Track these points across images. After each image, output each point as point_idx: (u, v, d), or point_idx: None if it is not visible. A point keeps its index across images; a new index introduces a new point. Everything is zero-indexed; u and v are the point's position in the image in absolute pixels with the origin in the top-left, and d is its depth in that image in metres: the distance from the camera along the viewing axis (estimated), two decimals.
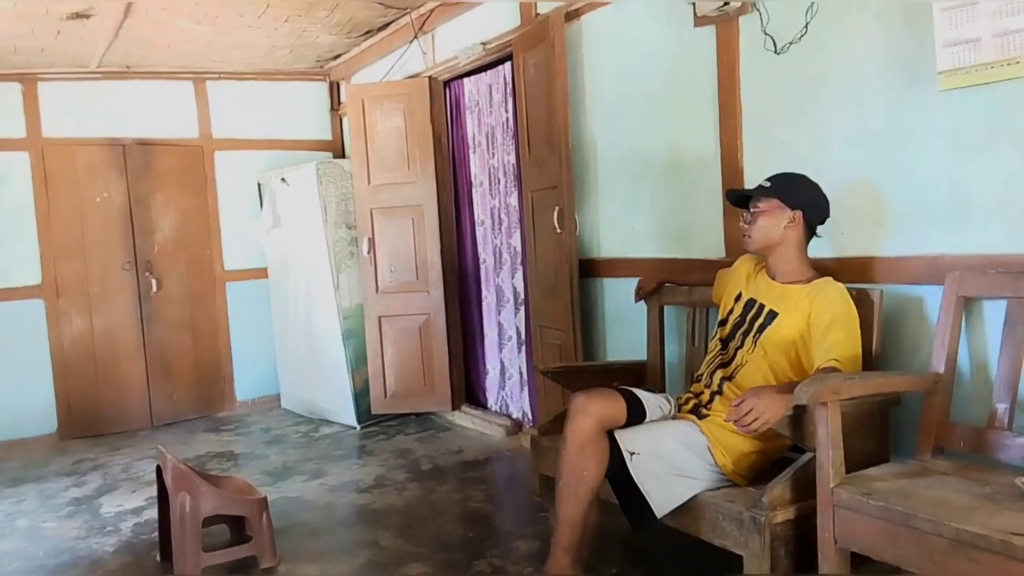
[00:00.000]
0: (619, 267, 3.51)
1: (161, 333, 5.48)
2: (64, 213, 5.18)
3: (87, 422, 5.24)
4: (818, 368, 2.20)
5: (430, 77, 4.75)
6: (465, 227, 4.92)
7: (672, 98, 3.16)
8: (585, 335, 3.61)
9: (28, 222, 5.10)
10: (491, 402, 4.85)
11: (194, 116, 5.58)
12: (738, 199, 2.53)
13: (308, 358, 5.28)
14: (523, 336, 4.52)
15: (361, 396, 4.95)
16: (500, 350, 4.74)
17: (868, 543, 1.90)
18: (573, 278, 3.55)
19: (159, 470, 2.99)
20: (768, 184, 2.41)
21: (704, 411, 2.40)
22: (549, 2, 3.67)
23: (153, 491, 3.23)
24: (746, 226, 2.45)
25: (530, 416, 4.41)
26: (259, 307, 5.72)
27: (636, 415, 2.34)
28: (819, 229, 2.43)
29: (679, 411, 2.47)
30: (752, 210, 2.43)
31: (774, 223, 2.39)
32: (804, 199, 2.38)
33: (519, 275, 4.48)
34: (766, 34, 2.70)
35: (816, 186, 2.40)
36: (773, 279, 2.44)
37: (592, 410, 2.26)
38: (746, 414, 2.05)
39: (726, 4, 2.77)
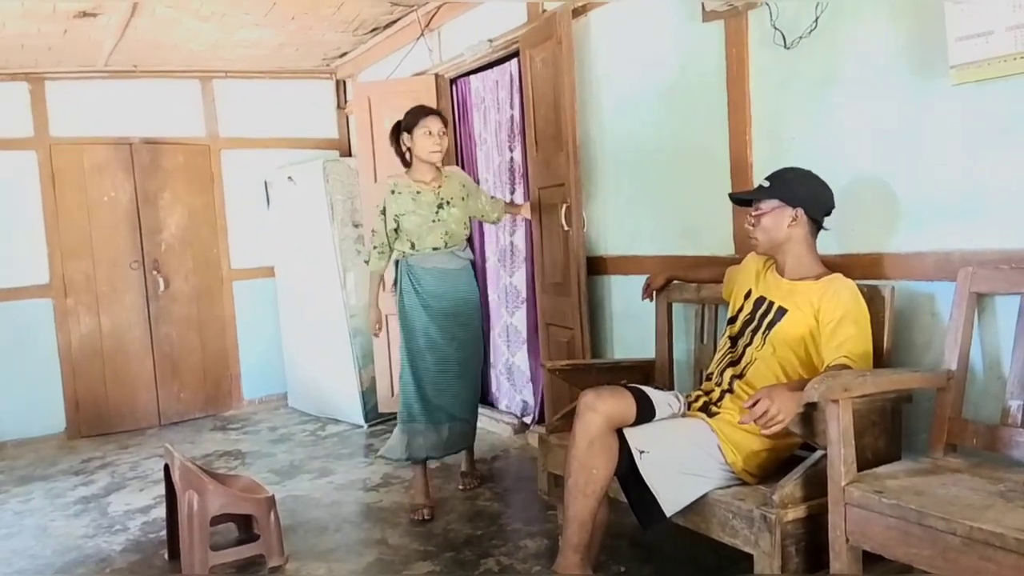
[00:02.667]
0: (627, 264, 3.49)
1: (168, 332, 5.50)
2: (71, 212, 5.20)
3: (95, 421, 5.26)
4: (829, 365, 2.18)
5: (436, 74, 4.74)
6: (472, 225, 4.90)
7: (680, 94, 3.14)
8: (593, 333, 3.60)
9: (36, 221, 5.12)
10: (497, 401, 4.84)
11: (201, 115, 5.59)
12: (742, 200, 2.52)
13: (315, 356, 5.28)
14: (524, 334, 4.51)
15: (368, 394, 4.95)
16: (499, 348, 4.72)
17: (880, 541, 1.88)
18: (581, 275, 3.54)
19: (167, 469, 2.99)
20: (767, 184, 2.39)
21: (714, 409, 2.38)
22: None
23: (161, 490, 3.24)
24: (751, 228, 2.44)
25: (534, 414, 4.39)
26: (266, 305, 5.72)
27: (645, 413, 2.32)
28: (827, 222, 2.41)
29: (689, 409, 2.45)
30: (754, 212, 2.42)
31: (777, 223, 2.37)
32: (804, 195, 2.36)
33: (520, 274, 4.47)
34: (775, 29, 2.68)
35: (816, 179, 2.38)
36: (782, 276, 2.42)
37: (601, 408, 2.24)
38: (762, 415, 2.03)
39: None
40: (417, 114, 3.42)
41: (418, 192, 3.41)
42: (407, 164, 3.50)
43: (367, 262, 3.57)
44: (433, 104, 4.72)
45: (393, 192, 3.41)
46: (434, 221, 3.39)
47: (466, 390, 3.48)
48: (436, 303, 3.40)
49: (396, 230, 3.41)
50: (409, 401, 3.41)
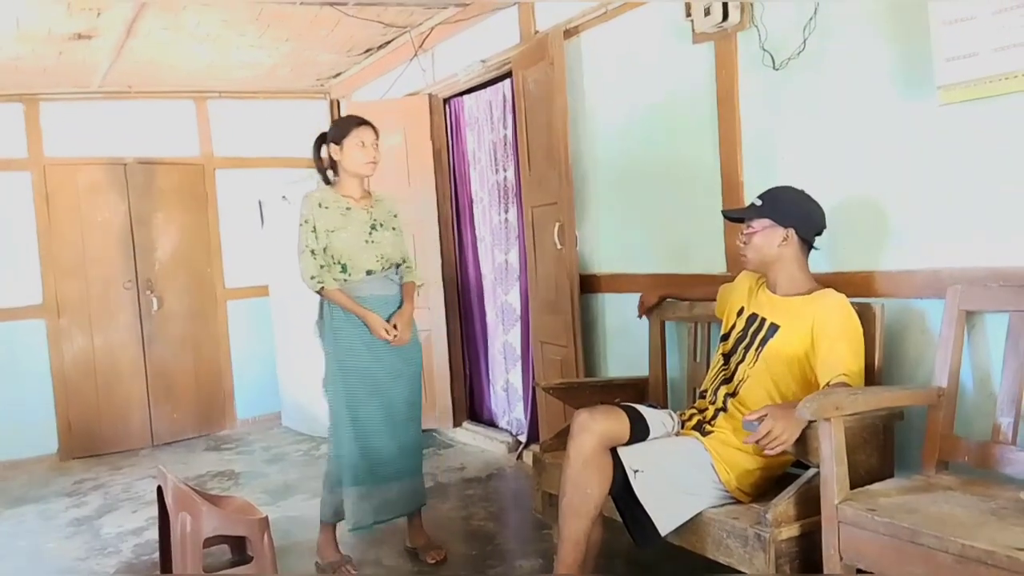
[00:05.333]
0: (620, 282, 3.51)
1: (162, 351, 5.48)
2: (65, 232, 5.20)
3: (88, 441, 5.23)
4: (827, 383, 2.19)
5: (430, 94, 4.78)
6: (466, 243, 4.93)
7: (672, 114, 3.17)
8: (586, 351, 3.61)
9: (29, 242, 5.12)
10: (495, 418, 4.83)
11: (195, 135, 5.61)
12: (734, 217, 2.54)
13: (309, 375, 5.26)
14: (519, 351, 4.51)
15: None
16: (497, 366, 4.73)
17: (873, 560, 1.88)
18: (574, 294, 3.55)
19: (160, 490, 2.98)
20: (759, 203, 2.41)
21: (708, 427, 2.38)
22: (552, 3, 3.69)
23: (154, 511, 3.22)
24: (742, 246, 2.46)
25: (526, 431, 4.38)
26: (260, 325, 5.72)
27: (639, 432, 2.33)
28: (817, 241, 2.43)
29: (682, 427, 2.46)
30: (746, 230, 2.44)
31: (768, 242, 2.39)
32: (795, 215, 2.38)
33: (515, 291, 4.48)
34: (764, 50, 2.72)
35: (808, 199, 2.40)
36: (774, 293, 2.44)
37: (595, 427, 2.25)
38: (765, 435, 2.04)
39: (724, 20, 2.78)
40: (347, 124, 3.05)
41: (348, 208, 3.02)
42: (327, 181, 3.12)
43: (321, 287, 2.94)
44: (427, 124, 4.77)
45: (321, 206, 2.99)
46: (367, 242, 3.01)
47: (413, 438, 3.10)
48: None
49: (324, 250, 2.97)
50: (353, 460, 2.96)
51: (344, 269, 2.98)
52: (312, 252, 2.96)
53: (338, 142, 3.03)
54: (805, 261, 2.43)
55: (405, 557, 3.13)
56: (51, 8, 3.64)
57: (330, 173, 3.12)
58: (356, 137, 3.01)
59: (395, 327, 2.98)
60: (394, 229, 3.12)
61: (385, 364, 3.00)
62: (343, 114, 5.83)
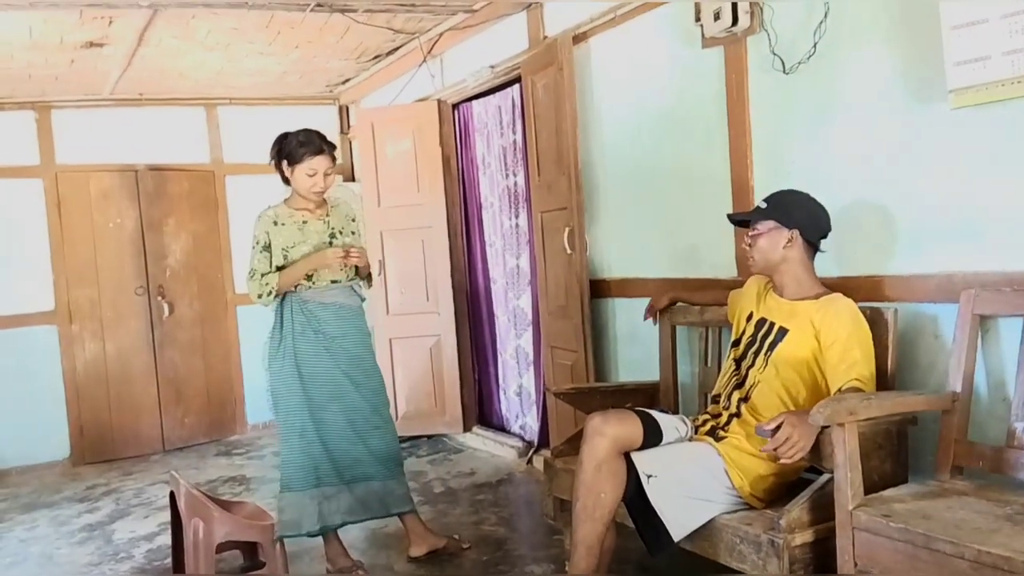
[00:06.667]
0: (630, 287, 3.51)
1: (173, 357, 5.51)
2: (77, 239, 5.23)
3: (99, 447, 5.26)
4: (839, 389, 2.18)
5: (439, 100, 4.79)
6: (475, 248, 4.94)
7: (681, 118, 3.17)
8: (597, 356, 3.61)
9: (42, 248, 5.16)
10: (507, 423, 4.83)
11: (205, 141, 5.65)
12: (740, 220, 2.54)
13: None
14: (530, 356, 4.51)
15: None
16: (510, 370, 4.73)
17: (888, 566, 1.87)
18: (584, 299, 3.55)
19: (172, 496, 2.99)
20: (765, 205, 2.42)
21: (721, 433, 2.38)
22: (561, 8, 3.70)
23: (165, 516, 3.23)
24: (748, 248, 2.46)
25: (536, 436, 4.38)
26: (269, 330, 5.72)
27: (653, 437, 2.32)
28: (823, 244, 2.43)
29: (696, 433, 2.45)
30: (751, 233, 2.44)
31: (772, 244, 2.39)
32: (800, 217, 2.38)
33: (526, 296, 4.48)
34: (774, 54, 2.71)
35: (813, 202, 2.40)
36: (781, 296, 2.44)
37: (609, 432, 2.25)
38: (784, 442, 2.04)
39: (734, 25, 2.78)
40: (304, 149, 2.98)
41: (304, 221, 3.02)
42: (286, 180, 3.08)
43: (273, 292, 2.97)
44: (436, 129, 4.78)
45: (276, 224, 3.00)
46: None
47: (386, 445, 3.09)
48: (339, 345, 3.02)
49: (283, 267, 2.98)
50: (316, 462, 2.97)
51: (309, 278, 3.01)
52: (262, 276, 2.98)
53: (290, 163, 3.02)
54: (811, 264, 2.43)
55: (416, 564, 3.13)
56: (63, 17, 3.67)
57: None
58: (308, 165, 2.98)
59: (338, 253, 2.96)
60: (353, 234, 3.14)
61: (345, 371, 3.03)
62: (352, 119, 5.87)
